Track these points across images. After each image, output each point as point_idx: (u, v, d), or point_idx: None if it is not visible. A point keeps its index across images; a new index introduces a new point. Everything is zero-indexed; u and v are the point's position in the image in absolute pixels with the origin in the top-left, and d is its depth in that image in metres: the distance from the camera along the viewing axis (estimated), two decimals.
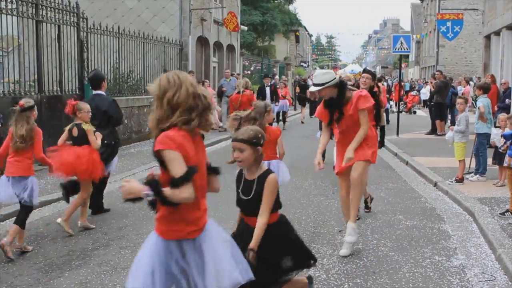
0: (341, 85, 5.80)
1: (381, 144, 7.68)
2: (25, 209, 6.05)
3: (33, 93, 11.04)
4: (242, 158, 3.67)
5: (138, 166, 11.36)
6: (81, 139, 6.76)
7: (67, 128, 6.88)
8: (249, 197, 3.73)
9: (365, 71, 7.61)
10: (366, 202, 7.75)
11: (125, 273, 5.33)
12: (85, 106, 6.91)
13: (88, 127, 6.80)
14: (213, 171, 3.32)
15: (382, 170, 11.09)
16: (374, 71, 39.62)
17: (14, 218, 6.19)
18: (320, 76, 5.79)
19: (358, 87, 7.05)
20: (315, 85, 5.78)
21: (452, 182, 9.48)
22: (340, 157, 6.08)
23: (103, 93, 7.79)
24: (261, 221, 3.66)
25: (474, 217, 7.37)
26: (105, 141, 7.23)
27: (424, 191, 9.43)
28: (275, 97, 18.50)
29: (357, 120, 5.85)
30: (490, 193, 8.66)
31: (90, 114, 6.91)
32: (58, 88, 11.89)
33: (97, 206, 7.67)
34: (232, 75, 21.93)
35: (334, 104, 5.82)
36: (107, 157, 7.42)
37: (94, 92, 7.83)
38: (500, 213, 7.29)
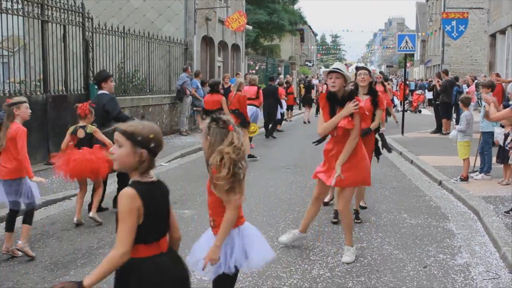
0: (353, 89, 5.77)
1: (385, 148, 7.17)
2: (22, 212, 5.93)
3: (38, 93, 11.09)
4: (116, 156, 2.76)
5: None
6: (86, 141, 7.02)
7: (70, 131, 7.05)
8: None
9: (359, 68, 7.12)
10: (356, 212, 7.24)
11: None
12: (93, 110, 7.19)
13: (94, 129, 7.04)
14: None
15: (386, 169, 11.10)
16: (380, 70, 39.46)
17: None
18: (339, 65, 5.62)
19: (356, 86, 6.83)
20: (333, 68, 5.51)
21: (456, 180, 9.47)
22: (327, 166, 5.73)
23: (106, 92, 8.01)
24: (109, 256, 2.63)
25: (478, 215, 7.37)
26: None
27: (429, 189, 9.42)
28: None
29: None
30: (494, 192, 8.64)
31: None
32: (64, 88, 11.94)
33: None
34: (237, 74, 21.97)
35: (339, 101, 5.56)
36: None
37: (99, 92, 8.11)
38: (504, 212, 7.28)
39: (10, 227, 5.82)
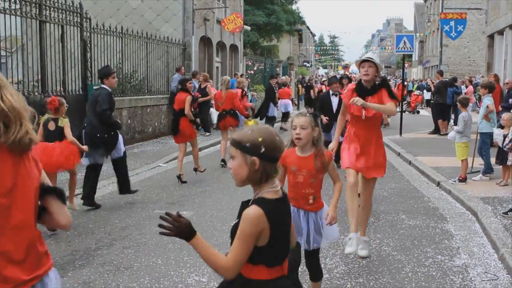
0: (384, 79, 5.82)
1: None
2: None
3: (36, 93, 11.07)
4: (232, 171, 2.52)
5: (141, 166, 11.38)
6: (56, 133, 6.97)
7: (42, 122, 6.96)
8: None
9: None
10: None
11: (128, 273, 5.35)
12: (64, 101, 7.20)
13: (65, 123, 7.01)
14: (51, 192, 2.34)
15: None
16: None
17: None
18: (371, 54, 5.82)
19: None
20: (366, 57, 5.65)
21: (455, 181, 9.47)
22: (351, 153, 5.67)
23: (105, 87, 8.01)
24: (221, 261, 2.36)
25: (477, 216, 7.37)
26: (98, 135, 7.77)
27: (427, 190, 9.42)
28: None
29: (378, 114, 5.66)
30: (493, 193, 8.64)
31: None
32: (62, 88, 11.91)
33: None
34: (235, 75, 21.95)
35: (368, 90, 5.56)
36: (110, 146, 7.98)
37: (101, 85, 8.15)
38: (503, 213, 7.27)
39: None
